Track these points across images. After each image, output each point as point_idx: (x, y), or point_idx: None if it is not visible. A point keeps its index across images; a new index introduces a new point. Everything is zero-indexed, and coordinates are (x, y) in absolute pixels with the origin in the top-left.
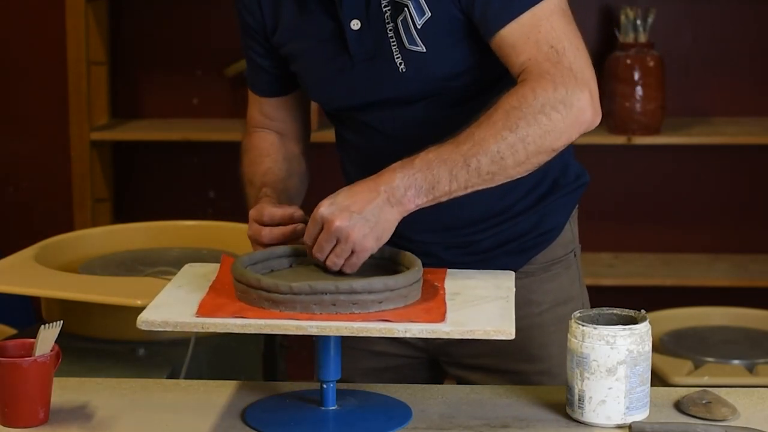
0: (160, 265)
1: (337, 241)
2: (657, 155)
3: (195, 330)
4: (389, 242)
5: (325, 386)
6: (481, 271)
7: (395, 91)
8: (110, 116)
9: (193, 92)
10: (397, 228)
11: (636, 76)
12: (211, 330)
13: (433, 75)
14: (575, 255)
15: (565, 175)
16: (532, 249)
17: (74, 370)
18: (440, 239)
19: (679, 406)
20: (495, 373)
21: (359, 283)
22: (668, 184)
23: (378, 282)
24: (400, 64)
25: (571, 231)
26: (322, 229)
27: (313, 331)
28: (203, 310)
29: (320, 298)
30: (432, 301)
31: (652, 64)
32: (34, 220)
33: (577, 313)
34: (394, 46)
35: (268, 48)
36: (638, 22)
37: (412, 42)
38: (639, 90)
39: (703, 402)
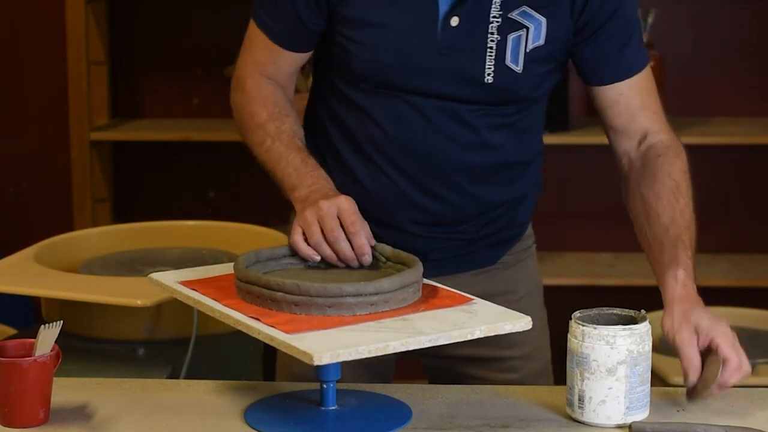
0: (160, 265)
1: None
2: None
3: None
4: (392, 244)
5: (325, 386)
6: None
7: (467, 93)
8: (110, 116)
9: (193, 92)
10: (382, 217)
11: None
12: (173, 296)
13: (513, 93)
14: (534, 245)
15: (536, 184)
16: (511, 240)
17: (74, 370)
18: (426, 231)
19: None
20: (476, 362)
21: (333, 287)
22: None
23: (350, 287)
24: (489, 74)
25: (530, 223)
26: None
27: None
28: (191, 284)
29: (302, 299)
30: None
31: (652, 64)
32: (34, 220)
33: (577, 313)
34: (490, 56)
35: (322, 2)
36: None
37: (514, 61)
38: None
39: None
